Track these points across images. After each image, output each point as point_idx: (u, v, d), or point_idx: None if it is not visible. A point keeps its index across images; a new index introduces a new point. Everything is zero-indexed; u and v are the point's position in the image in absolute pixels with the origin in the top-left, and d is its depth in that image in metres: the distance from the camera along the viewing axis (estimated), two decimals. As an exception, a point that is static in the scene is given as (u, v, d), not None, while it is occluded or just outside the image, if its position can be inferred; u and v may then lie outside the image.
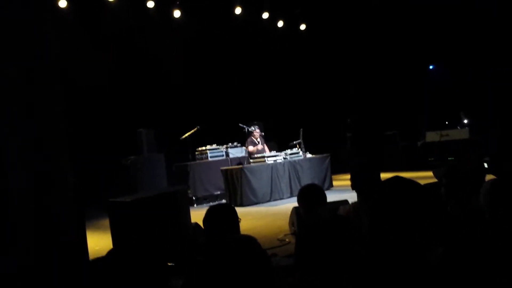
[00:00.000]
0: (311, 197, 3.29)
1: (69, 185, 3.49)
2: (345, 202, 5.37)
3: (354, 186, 3.55)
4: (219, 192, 10.16)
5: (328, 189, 9.93)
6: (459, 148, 11.88)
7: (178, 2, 11.31)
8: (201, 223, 2.91)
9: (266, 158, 9.64)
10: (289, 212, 6.15)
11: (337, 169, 11.35)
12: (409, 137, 13.79)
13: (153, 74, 11.46)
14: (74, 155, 4.23)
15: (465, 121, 13.09)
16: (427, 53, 14.26)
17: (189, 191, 9.29)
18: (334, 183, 10.60)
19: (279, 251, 5.10)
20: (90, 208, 8.37)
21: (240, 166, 9.54)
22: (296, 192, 4.81)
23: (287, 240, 5.74)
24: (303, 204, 3.36)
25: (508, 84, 12.00)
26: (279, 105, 13.34)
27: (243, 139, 10.67)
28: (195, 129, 10.52)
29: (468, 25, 12.67)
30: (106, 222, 5.41)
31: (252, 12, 12.15)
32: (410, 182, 1.82)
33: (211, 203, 9.26)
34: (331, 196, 5.52)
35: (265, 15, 12.51)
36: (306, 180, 9.39)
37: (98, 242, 5.93)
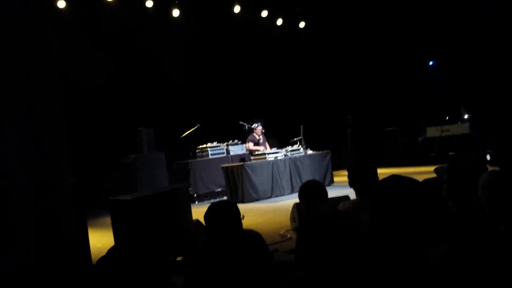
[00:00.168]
0: (312, 193, 3.30)
1: (69, 185, 3.49)
2: (346, 198, 5.37)
3: (351, 184, 3.55)
4: (220, 189, 10.18)
5: (329, 185, 9.96)
6: (460, 143, 11.88)
7: (177, 1, 11.30)
8: (202, 220, 2.91)
9: (267, 155, 9.66)
10: (290, 208, 6.16)
11: (338, 165, 11.36)
12: (409, 133, 13.80)
13: (153, 73, 11.45)
14: (75, 154, 4.23)
15: (466, 116, 13.09)
16: (427, 49, 14.26)
17: (190, 189, 9.30)
18: (335, 179, 10.62)
19: (280, 246, 5.11)
20: (91, 207, 8.39)
21: (241, 163, 9.55)
22: (297, 188, 4.81)
23: (288, 236, 5.75)
24: (304, 200, 3.36)
25: (507, 83, 12.01)
26: (279, 102, 13.33)
27: (243, 136, 10.67)
28: (196, 127, 10.53)
29: (467, 23, 12.67)
30: (108, 220, 5.42)
31: (251, 10, 12.13)
32: (408, 179, 1.82)
33: (212, 200, 9.29)
34: (332, 192, 5.53)
35: (264, 13, 12.49)
36: (307, 176, 9.39)
37: (100, 240, 5.95)
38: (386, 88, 14.45)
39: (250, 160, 9.84)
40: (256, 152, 9.87)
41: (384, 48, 14.07)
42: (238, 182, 9.31)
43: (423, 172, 8.20)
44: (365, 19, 13.49)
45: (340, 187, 8.66)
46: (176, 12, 11.35)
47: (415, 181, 1.84)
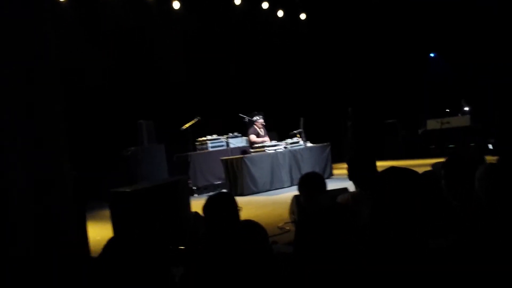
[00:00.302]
0: (311, 184, 3.31)
1: (70, 184, 3.49)
2: (345, 190, 5.37)
3: (351, 177, 3.56)
4: (219, 182, 10.18)
5: (328, 177, 9.95)
6: (460, 135, 11.88)
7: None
8: (201, 212, 2.92)
9: (266, 148, 9.65)
10: (290, 201, 6.16)
11: (338, 158, 11.36)
12: (409, 126, 13.79)
13: (153, 66, 11.42)
14: (75, 148, 4.22)
15: (466, 108, 13.06)
16: (427, 41, 14.21)
17: (189, 181, 9.31)
18: (335, 172, 10.62)
19: (279, 238, 5.12)
20: (91, 199, 8.40)
21: (241, 156, 9.55)
22: (296, 181, 4.82)
23: (287, 228, 5.76)
24: (303, 191, 3.37)
25: (508, 79, 12.00)
26: (279, 95, 13.31)
27: (243, 129, 10.66)
28: (195, 119, 10.51)
29: (468, 17, 12.63)
30: (107, 212, 5.42)
31: (251, 2, 12.08)
32: (407, 171, 1.82)
33: (211, 193, 9.29)
34: (332, 185, 5.53)
35: (265, 5, 12.43)
36: (306, 169, 9.39)
37: (100, 232, 5.95)
38: (387, 81, 14.42)
39: (250, 152, 9.83)
40: (258, 145, 9.86)
41: (385, 40, 14.03)
42: (237, 175, 9.32)
43: (423, 165, 8.19)
44: (366, 11, 13.44)
45: (340, 180, 8.66)
46: (176, 5, 11.31)
47: (414, 172, 1.84)
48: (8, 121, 3.15)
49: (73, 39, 9.51)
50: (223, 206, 2.76)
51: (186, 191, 5.77)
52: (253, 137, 10.10)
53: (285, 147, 9.91)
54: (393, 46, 14.01)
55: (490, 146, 9.74)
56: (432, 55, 15.52)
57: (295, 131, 10.42)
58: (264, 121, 10.35)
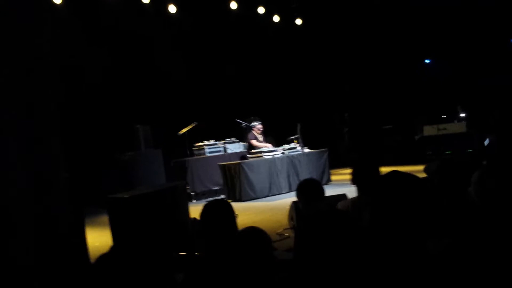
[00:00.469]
0: (309, 191, 3.32)
1: (66, 184, 3.49)
2: (343, 196, 5.38)
3: (354, 181, 3.56)
4: (217, 188, 10.17)
5: (326, 183, 9.96)
6: (456, 141, 11.93)
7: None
8: (199, 218, 2.92)
9: (264, 154, 9.66)
10: (288, 207, 6.16)
11: (335, 164, 11.38)
12: (406, 131, 13.84)
13: (150, 70, 11.44)
14: (70, 152, 4.22)
15: (462, 115, 13.12)
16: (423, 47, 14.29)
17: (187, 187, 9.31)
18: (332, 177, 10.62)
19: (278, 245, 5.12)
20: (89, 205, 8.37)
21: (238, 161, 9.55)
22: (294, 186, 4.83)
23: (286, 234, 5.76)
24: (301, 198, 3.38)
25: (505, 81, 12.07)
26: (276, 100, 13.34)
27: (240, 134, 10.66)
28: (193, 125, 10.51)
29: (465, 21, 12.71)
30: (105, 218, 5.41)
31: (247, 7, 12.11)
32: (409, 176, 1.83)
33: (210, 199, 9.28)
34: (329, 191, 5.53)
35: (261, 10, 12.47)
36: (304, 174, 9.41)
37: (98, 239, 5.94)
38: (383, 86, 14.48)
39: (247, 158, 9.84)
40: (258, 150, 9.86)
41: (381, 46, 14.09)
42: (235, 180, 9.31)
43: (419, 171, 8.20)
44: (362, 16, 13.50)
45: (337, 186, 8.67)
46: (172, 9, 11.32)
47: (416, 177, 1.85)
48: (8, 121, 3.17)
49: (69, 41, 9.48)
50: (219, 213, 2.76)
51: (184, 197, 5.77)
52: (254, 142, 10.11)
53: (282, 153, 9.93)
54: (389, 51, 14.08)
55: (486, 142, 9.76)
56: (427, 61, 15.61)
57: (292, 137, 10.43)
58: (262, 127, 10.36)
